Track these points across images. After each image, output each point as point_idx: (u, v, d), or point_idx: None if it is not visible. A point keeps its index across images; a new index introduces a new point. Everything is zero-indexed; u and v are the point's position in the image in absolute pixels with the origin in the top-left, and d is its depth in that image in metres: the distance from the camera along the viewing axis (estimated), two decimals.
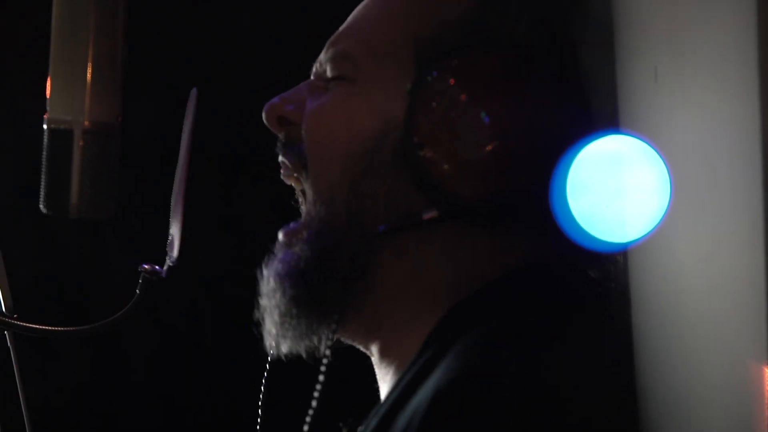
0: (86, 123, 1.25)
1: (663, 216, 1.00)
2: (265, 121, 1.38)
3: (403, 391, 1.23)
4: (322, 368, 1.28)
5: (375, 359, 1.36)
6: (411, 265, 1.30)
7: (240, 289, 1.44)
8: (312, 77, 1.39)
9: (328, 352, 1.28)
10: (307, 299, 1.32)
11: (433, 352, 1.23)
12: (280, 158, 1.38)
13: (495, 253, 1.30)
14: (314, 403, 1.30)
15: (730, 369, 0.92)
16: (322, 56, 1.37)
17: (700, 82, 0.95)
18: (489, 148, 1.24)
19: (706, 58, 0.94)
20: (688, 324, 0.96)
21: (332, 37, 1.37)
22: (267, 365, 1.40)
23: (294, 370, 1.42)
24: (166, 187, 1.33)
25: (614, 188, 1.11)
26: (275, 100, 1.37)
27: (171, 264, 1.31)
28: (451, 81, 1.25)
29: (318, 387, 1.29)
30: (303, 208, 1.38)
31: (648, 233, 1.01)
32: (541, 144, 1.24)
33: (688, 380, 0.97)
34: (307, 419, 1.31)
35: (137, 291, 1.31)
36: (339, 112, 1.32)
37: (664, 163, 1.02)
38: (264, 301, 1.35)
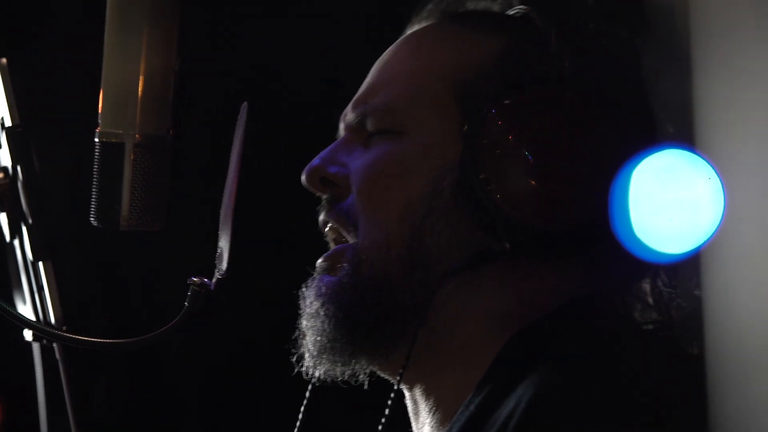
0: (137, 136, 1.26)
1: (718, 226, 1.00)
2: (306, 184, 1.40)
3: (478, 410, 1.24)
4: (387, 411, 1.31)
5: (418, 391, 1.37)
6: (470, 297, 1.33)
7: (289, 304, 1.44)
8: (343, 131, 1.41)
9: (396, 387, 1.31)
10: (358, 328, 1.34)
11: (504, 378, 1.25)
12: (322, 217, 1.40)
13: (549, 286, 1.32)
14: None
15: None
16: (350, 111, 1.40)
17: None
18: (553, 179, 1.27)
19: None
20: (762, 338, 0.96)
21: (361, 92, 1.40)
22: (307, 390, 1.41)
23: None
24: (215, 199, 1.33)
25: (670, 201, 1.12)
26: (315, 162, 1.40)
27: (220, 277, 1.31)
28: (509, 118, 1.28)
29: (380, 427, 1.31)
30: (332, 246, 1.40)
31: (703, 244, 1.01)
32: (599, 171, 1.26)
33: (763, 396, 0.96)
34: None
35: (186, 303, 1.31)
36: (393, 164, 1.35)
37: (717, 174, 1.02)
38: (306, 322, 1.37)
